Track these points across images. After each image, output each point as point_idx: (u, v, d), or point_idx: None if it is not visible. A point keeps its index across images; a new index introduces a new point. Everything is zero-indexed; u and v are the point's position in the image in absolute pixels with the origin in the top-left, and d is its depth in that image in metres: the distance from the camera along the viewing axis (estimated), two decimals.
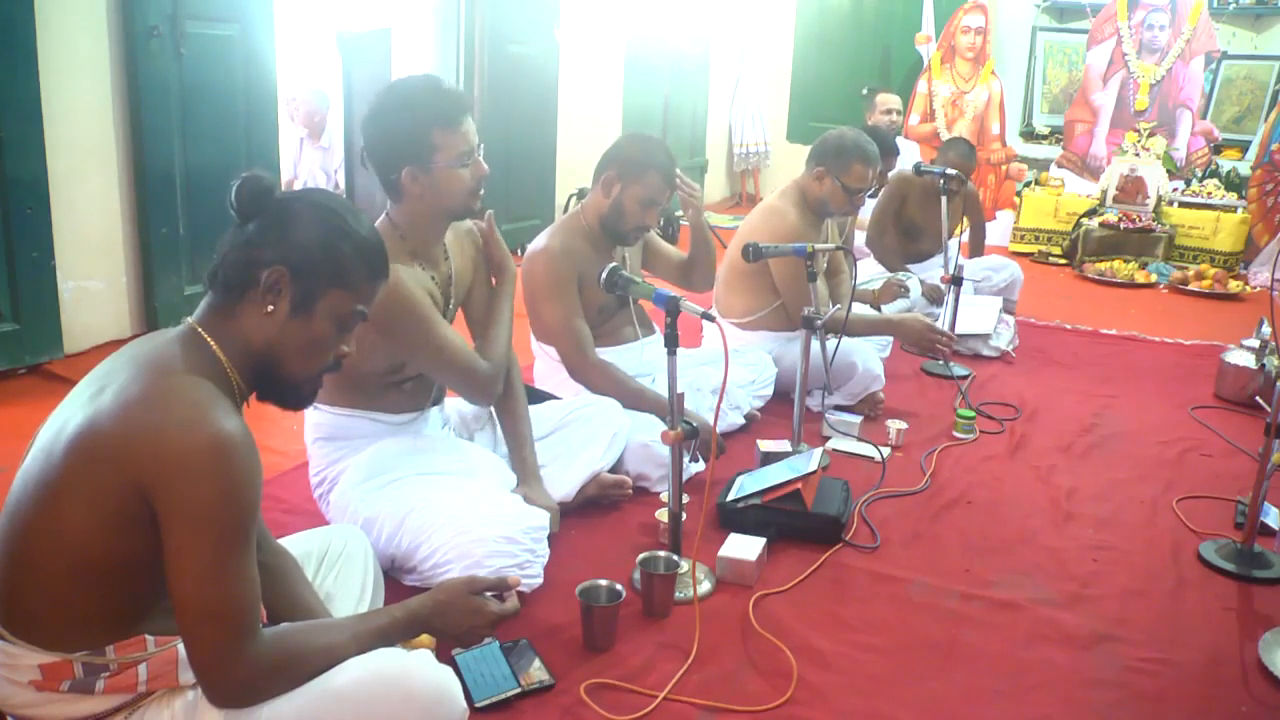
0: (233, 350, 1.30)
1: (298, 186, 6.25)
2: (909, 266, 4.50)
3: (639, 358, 2.82)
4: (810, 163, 3.20)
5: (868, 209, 4.46)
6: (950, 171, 3.99)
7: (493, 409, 2.40)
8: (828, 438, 3.01)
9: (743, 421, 3.05)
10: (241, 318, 1.30)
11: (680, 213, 2.84)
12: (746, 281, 3.26)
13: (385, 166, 1.99)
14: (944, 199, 3.97)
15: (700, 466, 2.65)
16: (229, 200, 1.30)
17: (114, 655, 1.23)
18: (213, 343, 1.28)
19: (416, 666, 1.33)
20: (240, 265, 1.29)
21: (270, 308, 1.29)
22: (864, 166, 3.09)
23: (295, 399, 1.39)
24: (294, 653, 1.27)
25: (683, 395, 2.08)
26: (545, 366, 2.80)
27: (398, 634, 1.40)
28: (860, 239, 4.51)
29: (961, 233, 4.54)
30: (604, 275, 2.15)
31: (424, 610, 1.44)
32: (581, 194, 2.93)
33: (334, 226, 1.32)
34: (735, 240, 3.25)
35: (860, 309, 3.60)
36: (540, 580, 1.98)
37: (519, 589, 1.92)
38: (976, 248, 4.74)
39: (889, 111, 5.26)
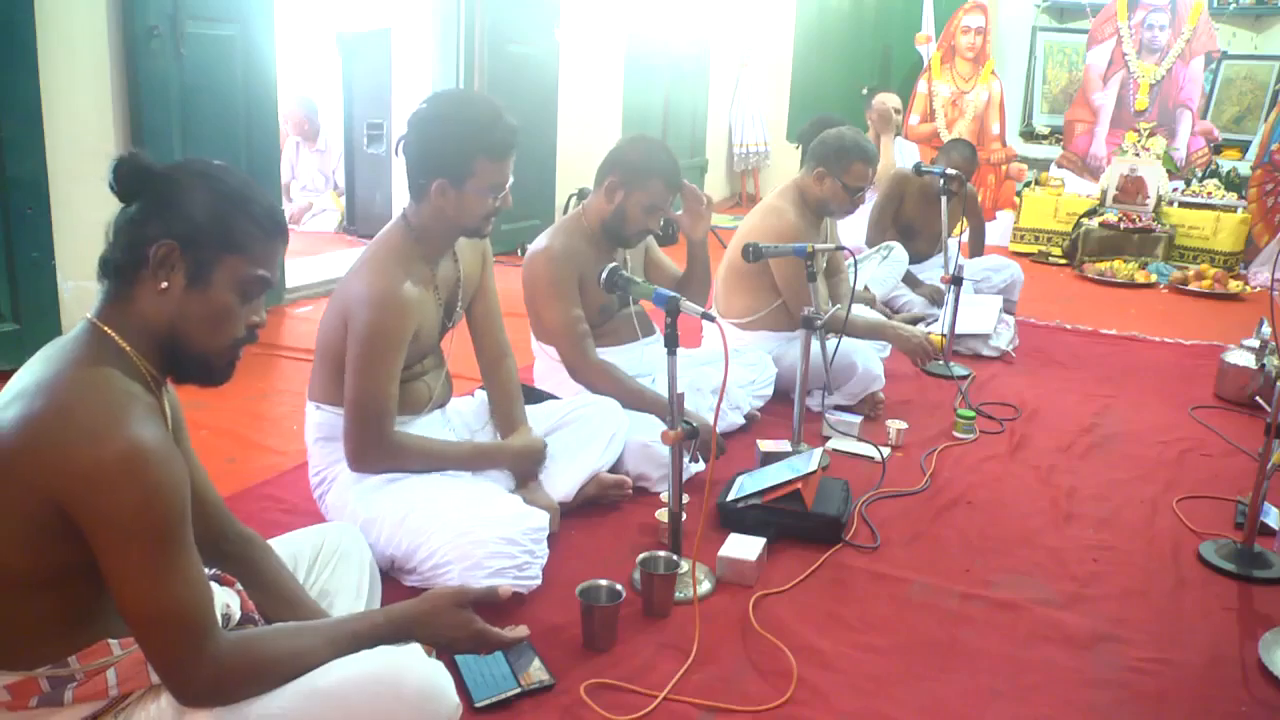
0: (136, 337, 1.25)
1: (295, 189, 6.25)
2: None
3: (639, 358, 2.82)
4: (809, 163, 3.22)
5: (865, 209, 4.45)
6: (950, 171, 3.99)
7: (486, 395, 2.42)
8: (828, 438, 3.00)
9: (743, 421, 3.05)
10: (138, 301, 1.25)
11: (682, 224, 2.81)
12: (746, 282, 3.27)
13: (419, 170, 2.00)
14: (944, 200, 3.97)
15: (700, 466, 2.64)
16: (108, 182, 1.24)
17: (78, 665, 1.21)
18: (114, 334, 1.23)
19: (407, 663, 1.31)
20: (127, 246, 1.24)
21: (164, 284, 1.23)
22: (864, 165, 3.15)
23: (209, 375, 1.31)
24: (260, 656, 1.24)
25: (683, 395, 2.08)
26: (545, 366, 2.80)
27: (379, 640, 1.35)
28: (845, 237, 4.50)
29: (961, 233, 4.54)
30: (604, 275, 2.15)
31: (408, 618, 1.41)
32: (582, 194, 2.92)
33: (220, 192, 1.26)
34: (735, 240, 3.26)
35: (861, 310, 3.60)
36: (539, 581, 1.98)
37: (518, 589, 1.93)
38: (976, 248, 4.75)
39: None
